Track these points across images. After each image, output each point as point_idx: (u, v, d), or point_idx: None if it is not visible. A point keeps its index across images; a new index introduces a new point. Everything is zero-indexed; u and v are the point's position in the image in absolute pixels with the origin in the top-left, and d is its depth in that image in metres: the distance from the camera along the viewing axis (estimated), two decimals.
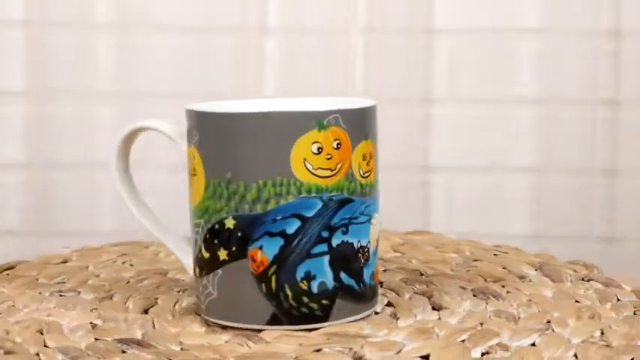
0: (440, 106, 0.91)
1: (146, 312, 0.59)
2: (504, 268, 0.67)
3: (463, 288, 0.62)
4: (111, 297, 0.62)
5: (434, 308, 0.59)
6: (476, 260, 0.69)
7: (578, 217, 0.91)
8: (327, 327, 0.56)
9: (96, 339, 0.54)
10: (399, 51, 0.90)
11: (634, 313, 0.58)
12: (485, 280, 0.64)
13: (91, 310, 0.59)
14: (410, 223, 0.89)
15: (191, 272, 0.59)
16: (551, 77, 0.90)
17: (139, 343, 0.53)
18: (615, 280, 0.64)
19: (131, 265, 0.70)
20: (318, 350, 0.53)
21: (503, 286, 0.63)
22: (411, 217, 0.90)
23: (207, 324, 0.57)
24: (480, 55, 0.90)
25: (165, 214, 0.92)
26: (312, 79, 0.90)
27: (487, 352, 0.52)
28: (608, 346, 0.53)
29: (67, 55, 0.90)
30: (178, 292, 0.63)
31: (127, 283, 0.65)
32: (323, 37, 0.90)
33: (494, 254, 0.71)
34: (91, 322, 0.57)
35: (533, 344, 0.53)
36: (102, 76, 0.90)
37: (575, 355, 0.52)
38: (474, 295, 0.61)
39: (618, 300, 0.61)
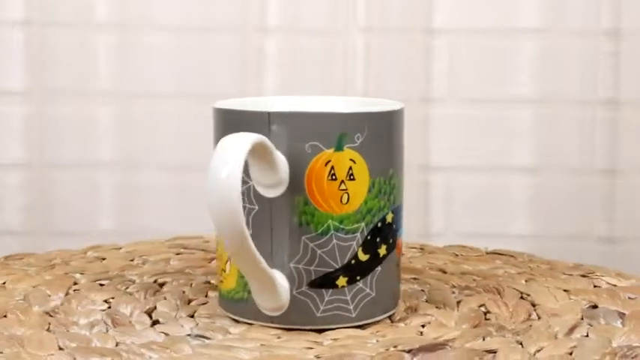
0: (440, 106, 0.90)
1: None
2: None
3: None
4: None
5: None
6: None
7: (578, 217, 0.90)
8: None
9: None
10: (398, 51, 0.90)
11: None
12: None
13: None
14: (410, 223, 0.89)
15: (285, 296, 0.56)
16: (551, 77, 0.90)
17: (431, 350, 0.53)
18: None
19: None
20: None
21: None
22: (410, 217, 0.90)
23: (361, 327, 0.57)
24: (480, 55, 0.90)
25: (167, 214, 0.92)
26: (312, 79, 0.90)
27: None
28: None
29: (67, 55, 0.90)
30: None
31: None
32: (323, 37, 0.90)
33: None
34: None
35: None
36: (102, 76, 0.90)
37: None
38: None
39: None
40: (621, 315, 0.58)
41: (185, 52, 0.90)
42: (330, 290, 0.56)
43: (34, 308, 0.59)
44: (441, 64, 0.90)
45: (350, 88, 0.90)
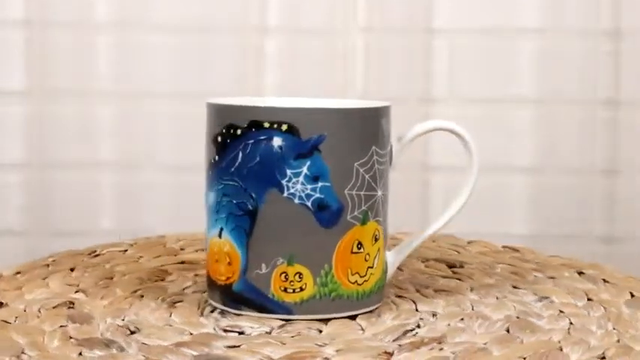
0: (440, 106, 0.90)
1: None
2: None
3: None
4: None
5: None
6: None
7: (578, 217, 0.90)
8: None
9: None
10: (399, 51, 0.90)
11: None
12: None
13: None
14: (409, 222, 0.89)
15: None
16: (551, 77, 0.90)
17: None
18: None
19: None
20: None
21: None
22: (410, 216, 0.90)
23: None
24: (479, 55, 0.90)
25: (167, 214, 0.92)
26: (312, 79, 0.90)
27: None
28: None
29: (67, 55, 0.90)
30: None
31: None
32: (323, 37, 0.90)
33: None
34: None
35: None
36: (102, 76, 0.90)
37: None
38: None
39: None
40: None
41: (185, 51, 0.90)
42: None
43: None
44: (441, 64, 0.90)
45: (350, 88, 0.90)
